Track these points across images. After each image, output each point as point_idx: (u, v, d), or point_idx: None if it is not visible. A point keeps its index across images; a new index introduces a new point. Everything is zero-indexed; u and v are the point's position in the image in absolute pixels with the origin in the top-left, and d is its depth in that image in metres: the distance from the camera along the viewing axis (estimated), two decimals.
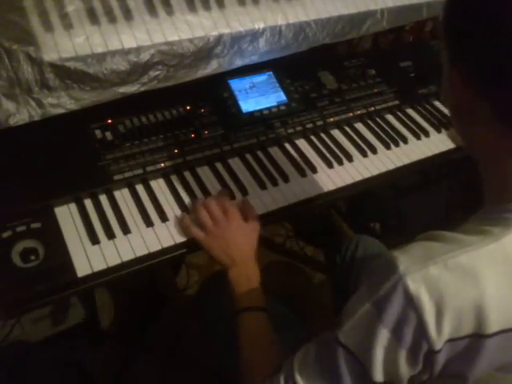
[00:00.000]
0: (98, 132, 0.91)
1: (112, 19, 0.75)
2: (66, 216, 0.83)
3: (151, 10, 0.79)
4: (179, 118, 0.98)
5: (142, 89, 0.80)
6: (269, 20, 0.88)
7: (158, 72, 0.80)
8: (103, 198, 0.87)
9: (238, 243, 0.81)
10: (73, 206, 0.84)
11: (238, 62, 0.89)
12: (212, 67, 0.86)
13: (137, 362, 1.38)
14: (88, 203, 0.86)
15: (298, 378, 0.57)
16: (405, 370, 0.51)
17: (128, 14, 0.77)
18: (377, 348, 0.50)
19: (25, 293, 0.73)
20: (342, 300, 1.21)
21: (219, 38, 0.83)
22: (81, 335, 1.34)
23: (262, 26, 0.87)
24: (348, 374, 0.53)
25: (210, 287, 1.08)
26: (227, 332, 0.93)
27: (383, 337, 0.50)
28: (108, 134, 0.91)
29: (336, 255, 1.23)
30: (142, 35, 0.77)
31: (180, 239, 0.84)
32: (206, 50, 0.83)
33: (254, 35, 0.87)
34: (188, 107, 1.00)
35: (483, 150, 0.56)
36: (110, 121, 0.93)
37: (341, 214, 1.91)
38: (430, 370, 0.51)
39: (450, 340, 0.48)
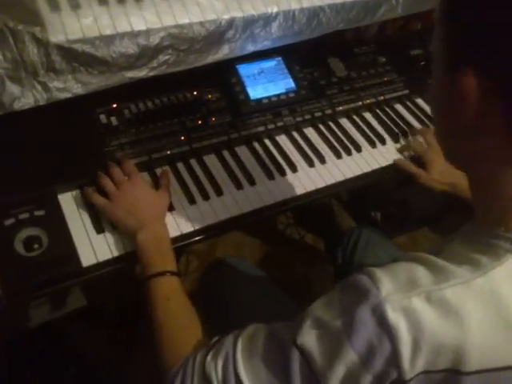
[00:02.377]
0: (102, 117, 0.88)
1: (121, 0, 0.72)
2: (70, 203, 0.81)
3: None
4: (186, 104, 0.95)
5: (151, 74, 0.77)
6: (282, 4, 0.84)
7: (167, 56, 0.77)
8: None
9: (144, 204, 0.77)
10: (77, 194, 0.82)
11: (250, 48, 0.86)
12: (223, 52, 0.83)
13: (136, 348, 1.38)
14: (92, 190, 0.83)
15: (240, 365, 0.53)
16: None
17: None
18: (339, 366, 0.47)
19: (28, 282, 0.71)
20: None
21: (231, 22, 0.80)
22: (80, 321, 1.33)
23: (275, 9, 0.84)
24: (300, 379, 0.50)
25: (212, 274, 1.07)
26: (230, 318, 0.92)
27: (349, 358, 0.46)
28: (113, 119, 0.88)
29: (338, 246, 1.23)
30: (152, 17, 0.74)
31: (186, 229, 0.82)
32: (217, 35, 0.80)
33: (267, 19, 0.84)
34: (195, 92, 0.97)
35: (478, 166, 0.51)
36: (115, 105, 0.90)
37: (342, 203, 1.90)
38: None
39: (425, 372, 0.45)
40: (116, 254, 0.77)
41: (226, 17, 0.79)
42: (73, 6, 0.68)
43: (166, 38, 0.75)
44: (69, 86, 0.69)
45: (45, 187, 0.79)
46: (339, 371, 0.48)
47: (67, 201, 0.81)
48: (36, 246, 0.74)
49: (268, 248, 1.73)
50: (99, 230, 0.78)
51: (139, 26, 0.73)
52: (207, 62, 0.82)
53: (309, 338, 0.50)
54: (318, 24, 0.89)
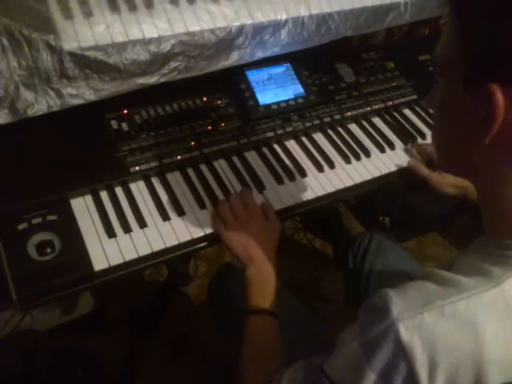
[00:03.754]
0: (113, 123, 0.89)
1: (132, 7, 0.73)
2: (82, 208, 0.81)
3: None
4: (196, 110, 0.96)
5: (162, 80, 0.78)
6: (291, 11, 0.85)
7: (178, 63, 0.77)
8: (119, 191, 0.86)
9: (258, 241, 0.79)
10: (89, 198, 0.83)
11: (260, 54, 0.87)
12: (233, 59, 0.84)
13: (146, 350, 1.39)
14: (104, 195, 0.84)
15: None
16: None
17: (149, 2, 0.74)
18: None
19: (40, 286, 0.71)
20: (354, 298, 1.21)
21: (241, 29, 0.81)
22: (90, 323, 1.34)
23: (284, 16, 0.85)
24: None
25: (221, 278, 1.07)
26: (239, 325, 0.93)
27: (370, 380, 0.47)
28: (124, 125, 0.89)
29: (347, 251, 1.22)
30: (163, 25, 0.75)
31: (197, 234, 0.82)
32: (227, 41, 0.81)
33: (277, 26, 0.85)
34: (205, 98, 0.98)
35: (487, 176, 0.51)
36: (125, 111, 0.91)
37: (349, 207, 1.90)
38: None
39: None
40: (128, 258, 0.77)
41: (236, 24, 0.80)
42: (85, 14, 0.69)
43: (177, 45, 0.76)
44: (81, 92, 0.70)
45: (57, 192, 0.80)
46: None
47: (79, 206, 0.82)
48: (48, 250, 0.74)
49: (277, 253, 1.72)
50: (111, 234, 0.79)
51: (151, 33, 0.74)
52: (217, 69, 0.83)
53: (335, 364, 0.52)
54: (327, 30, 0.89)
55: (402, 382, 0.45)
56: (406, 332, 0.44)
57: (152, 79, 0.77)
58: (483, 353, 0.43)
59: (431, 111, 1.15)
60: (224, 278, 1.06)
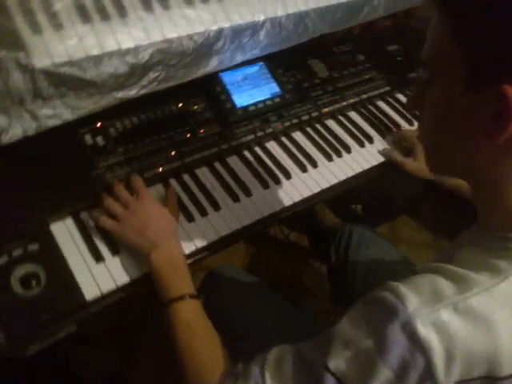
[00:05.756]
0: (88, 137, 0.84)
1: (105, 17, 0.67)
2: (64, 233, 0.77)
3: (146, 4, 0.71)
4: (172, 117, 0.92)
5: (142, 92, 0.73)
6: (269, 11, 0.82)
7: (157, 73, 0.73)
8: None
9: (155, 222, 0.73)
10: (69, 221, 0.78)
11: (240, 58, 0.84)
12: (213, 64, 0.80)
13: (132, 363, 1.35)
14: (85, 217, 0.79)
15: None
16: None
17: (122, 11, 0.69)
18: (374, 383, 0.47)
19: (30, 323, 0.67)
20: (340, 292, 1.21)
21: (219, 33, 0.77)
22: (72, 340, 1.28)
23: (262, 18, 0.82)
24: None
25: (207, 287, 1.05)
26: (233, 331, 0.91)
27: (384, 376, 0.47)
28: (99, 139, 0.84)
29: (325, 242, 1.23)
30: (139, 33, 0.70)
31: (188, 249, 0.79)
32: (206, 47, 0.77)
33: (255, 28, 0.82)
34: (180, 104, 0.94)
35: (485, 175, 0.52)
36: (99, 124, 0.86)
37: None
38: None
39: (460, 381, 0.46)
40: (120, 283, 0.73)
41: (214, 28, 0.76)
42: (55, 27, 0.63)
43: (155, 53, 0.71)
44: (58, 112, 0.65)
45: (35, 218, 0.75)
46: None
47: (60, 230, 0.77)
48: (34, 283, 0.70)
49: (255, 250, 1.72)
50: (98, 258, 0.75)
51: (127, 43, 0.69)
52: (198, 76, 0.79)
53: (341, 361, 0.50)
54: (305, 29, 0.87)
55: (418, 376, 0.45)
56: (423, 328, 0.45)
57: (131, 92, 0.72)
58: (497, 346, 0.45)
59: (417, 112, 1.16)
60: (210, 286, 1.04)
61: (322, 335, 0.55)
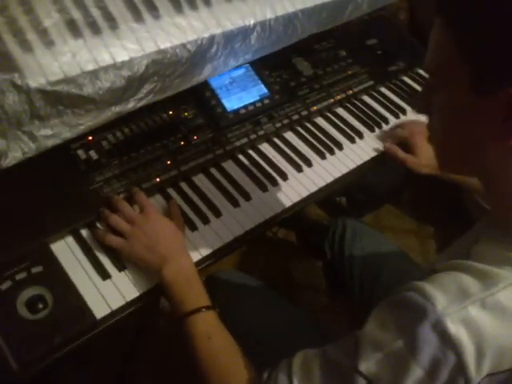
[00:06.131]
0: (80, 152, 0.82)
1: (96, 30, 0.66)
2: (66, 252, 0.75)
3: (136, 15, 0.70)
4: (164, 125, 0.91)
5: (139, 105, 0.72)
6: (258, 15, 0.82)
7: (153, 84, 0.72)
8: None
9: (164, 236, 0.72)
10: (70, 240, 0.76)
11: (233, 63, 0.83)
12: (207, 72, 0.79)
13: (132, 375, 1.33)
14: (86, 234, 0.78)
15: None
16: None
17: (113, 23, 0.67)
18: (407, 383, 0.48)
19: (42, 347, 0.65)
20: (337, 287, 1.22)
21: (212, 39, 0.77)
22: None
23: (252, 21, 0.81)
24: None
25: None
26: (238, 335, 0.91)
27: (416, 375, 0.48)
28: (92, 153, 0.82)
29: (324, 241, 1.24)
30: (133, 45, 0.68)
31: (194, 258, 0.79)
32: (199, 54, 0.76)
33: (246, 32, 0.81)
34: (170, 112, 0.93)
35: (499, 172, 0.53)
36: (90, 138, 0.83)
37: None
38: None
39: (490, 374, 0.47)
40: (129, 298, 0.72)
41: (206, 35, 0.76)
42: (47, 44, 0.61)
43: (151, 65, 0.70)
44: (57, 131, 0.63)
45: (34, 240, 0.72)
46: None
47: (62, 250, 0.75)
48: (41, 306, 0.68)
49: (245, 250, 1.71)
50: (104, 275, 0.73)
51: (121, 56, 0.67)
52: (193, 84, 0.78)
53: (371, 363, 0.51)
54: (294, 30, 0.87)
55: (449, 373, 0.47)
56: (453, 326, 0.46)
57: (129, 105, 0.71)
58: None
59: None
60: (211, 292, 1.03)
61: (347, 339, 0.56)
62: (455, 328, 0.46)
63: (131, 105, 0.71)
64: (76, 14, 0.64)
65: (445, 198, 1.89)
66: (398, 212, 2.01)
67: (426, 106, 0.56)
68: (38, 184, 0.76)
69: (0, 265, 0.68)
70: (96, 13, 0.66)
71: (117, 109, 0.69)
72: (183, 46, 0.73)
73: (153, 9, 0.71)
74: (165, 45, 0.72)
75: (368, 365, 0.51)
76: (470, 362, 0.45)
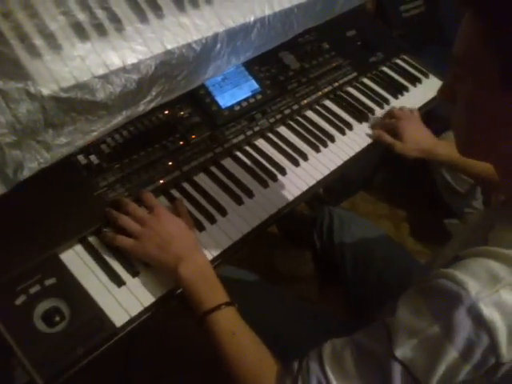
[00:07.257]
0: (80, 157, 0.80)
1: (102, 32, 0.63)
2: (77, 261, 0.73)
3: (141, 16, 0.68)
4: (161, 125, 0.89)
5: (149, 108, 0.70)
6: (257, 12, 0.82)
7: (161, 86, 0.70)
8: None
9: (177, 235, 0.72)
10: (79, 248, 0.74)
11: (235, 61, 0.83)
12: (211, 71, 0.78)
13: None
14: (94, 241, 0.76)
15: None
16: (462, 379, 0.53)
17: (118, 25, 0.65)
18: (441, 366, 0.51)
19: (65, 360, 0.64)
20: (329, 276, 1.24)
21: (216, 38, 0.76)
22: None
23: (252, 18, 0.81)
24: None
25: None
26: None
27: (450, 356, 0.50)
28: (93, 158, 0.80)
29: (312, 232, 1.26)
30: (140, 47, 0.67)
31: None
32: (204, 53, 0.75)
33: (247, 30, 0.81)
34: (166, 111, 0.91)
35: None
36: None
37: None
38: (489, 377, 0.53)
39: None
40: (146, 303, 0.71)
41: (210, 33, 0.75)
42: (54, 49, 0.59)
43: (159, 66, 0.68)
44: (71, 139, 0.61)
45: (44, 252, 0.70)
46: (440, 370, 0.51)
47: (72, 259, 0.73)
48: (58, 318, 0.66)
49: None
50: (119, 282, 0.72)
51: (130, 58, 0.65)
52: (199, 83, 0.77)
53: (407, 349, 0.53)
54: (291, 26, 0.88)
55: (482, 353, 0.50)
56: (486, 309, 0.48)
57: (139, 109, 0.69)
58: None
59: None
60: None
61: (376, 326, 0.57)
62: (489, 311, 0.48)
63: (141, 108, 0.70)
64: (81, 16, 0.62)
65: (415, 182, 1.97)
66: (373, 198, 2.06)
67: (450, 93, 0.58)
68: (42, 193, 0.74)
69: (12, 279, 0.66)
70: (101, 14, 0.63)
71: (128, 113, 0.68)
72: (189, 45, 0.72)
73: (156, 8, 0.69)
74: (171, 45, 0.70)
75: (404, 351, 0.53)
76: (502, 341, 0.48)
